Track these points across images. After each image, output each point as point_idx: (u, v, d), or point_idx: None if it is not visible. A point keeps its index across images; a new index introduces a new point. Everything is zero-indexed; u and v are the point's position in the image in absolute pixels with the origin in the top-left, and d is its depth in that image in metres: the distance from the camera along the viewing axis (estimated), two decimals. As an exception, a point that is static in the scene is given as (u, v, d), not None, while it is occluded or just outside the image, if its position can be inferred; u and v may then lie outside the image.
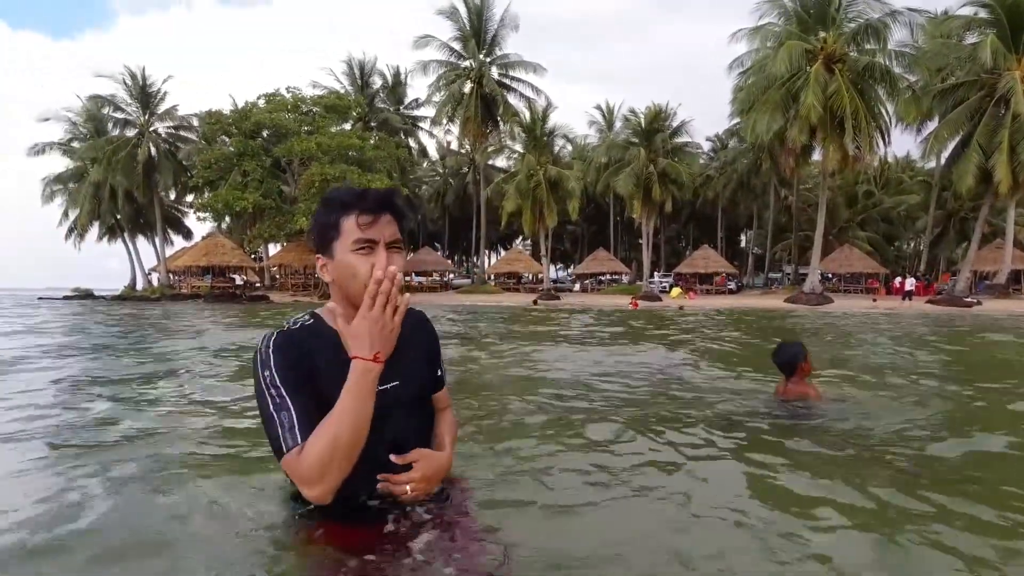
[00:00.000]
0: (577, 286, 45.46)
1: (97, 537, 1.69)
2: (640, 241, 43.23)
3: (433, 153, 54.42)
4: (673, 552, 1.63)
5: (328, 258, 1.36)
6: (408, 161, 43.02)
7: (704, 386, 4.57)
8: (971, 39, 26.83)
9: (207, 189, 35.92)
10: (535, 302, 30.34)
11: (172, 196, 44.09)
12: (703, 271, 40.24)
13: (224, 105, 37.23)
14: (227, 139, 35.72)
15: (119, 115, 39.45)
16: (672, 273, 43.11)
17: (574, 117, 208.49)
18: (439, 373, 1.59)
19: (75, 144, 40.24)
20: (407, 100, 48.06)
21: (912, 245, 53.39)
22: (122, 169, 36.97)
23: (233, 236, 41.09)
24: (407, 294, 1.30)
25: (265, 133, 35.83)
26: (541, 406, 3.71)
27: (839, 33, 27.32)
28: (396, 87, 47.26)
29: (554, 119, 41.30)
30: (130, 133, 39.15)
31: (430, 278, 45.74)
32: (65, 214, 42.20)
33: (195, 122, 40.17)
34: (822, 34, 27.77)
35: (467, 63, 39.65)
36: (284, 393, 1.26)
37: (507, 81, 39.98)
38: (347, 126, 38.68)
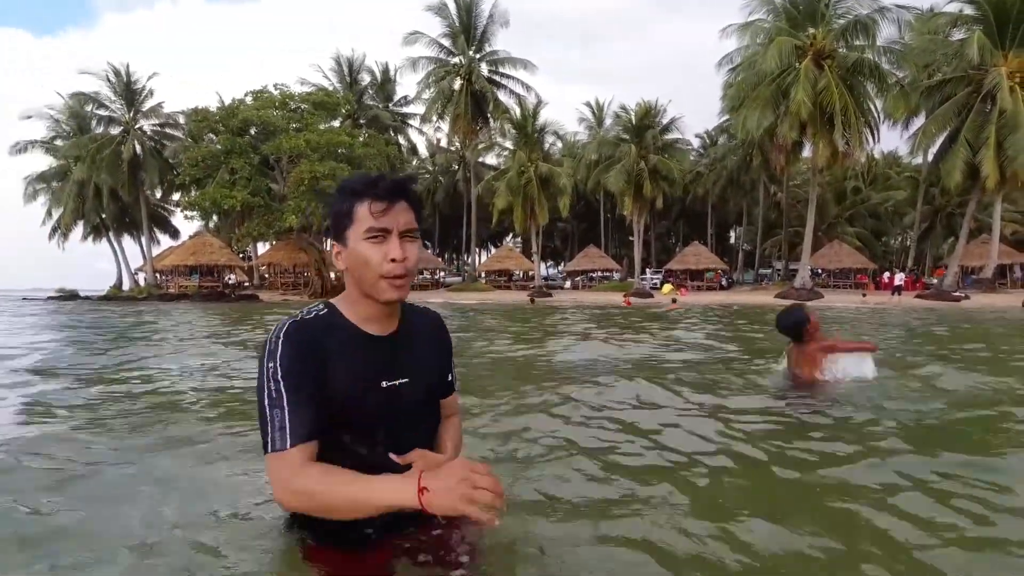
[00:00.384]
0: (568, 283, 45.42)
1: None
2: (631, 238, 43.28)
3: (423, 151, 54.15)
4: (678, 553, 1.60)
5: (342, 246, 1.33)
6: (398, 159, 42.69)
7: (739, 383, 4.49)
8: (958, 35, 27.06)
9: (194, 187, 35.38)
10: (532, 300, 30.30)
11: (158, 195, 43.38)
12: (694, 267, 40.35)
13: (211, 102, 36.74)
14: (214, 136, 35.23)
15: (103, 112, 38.78)
16: (663, 270, 43.20)
17: (566, 115, 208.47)
18: (449, 378, 1.57)
19: (58, 142, 39.59)
20: (396, 97, 47.76)
21: (899, 240, 53.93)
22: (107, 167, 36.36)
23: (221, 235, 40.62)
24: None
25: (253, 130, 35.37)
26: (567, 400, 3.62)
27: (828, 29, 27.45)
28: (385, 84, 46.92)
29: (544, 116, 41.26)
30: (115, 131, 38.49)
31: (420, 276, 45.53)
32: (49, 213, 41.55)
33: (181, 119, 39.62)
34: (811, 30, 27.89)
35: (457, 59, 39.42)
36: (282, 389, 1.21)
37: (497, 78, 39.82)
38: (336, 123, 38.31)
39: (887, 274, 35.42)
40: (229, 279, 41.65)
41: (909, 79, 28.00)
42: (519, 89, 39.47)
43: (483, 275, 45.15)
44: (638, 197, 35.76)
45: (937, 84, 27.37)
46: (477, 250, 49.19)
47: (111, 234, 42.71)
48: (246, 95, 36.43)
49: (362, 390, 1.30)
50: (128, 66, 38.06)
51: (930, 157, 31.43)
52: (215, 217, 39.16)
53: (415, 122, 46.31)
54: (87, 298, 39.28)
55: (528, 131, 37.44)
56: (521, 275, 44.84)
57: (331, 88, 41.30)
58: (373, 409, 1.31)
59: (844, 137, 27.01)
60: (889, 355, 6.02)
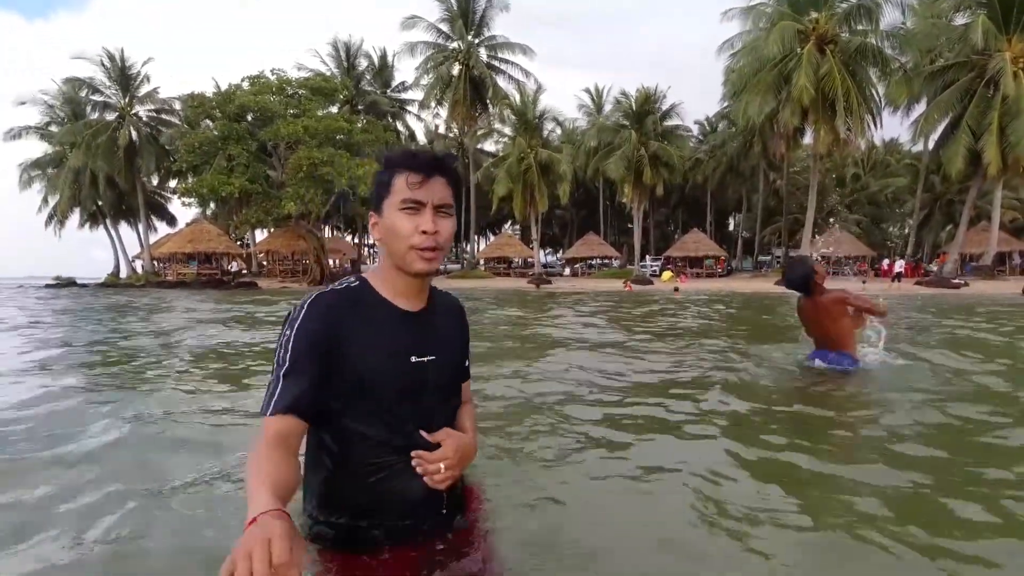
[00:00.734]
0: (567, 270, 45.39)
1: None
2: (630, 225, 43.18)
3: (421, 137, 53.70)
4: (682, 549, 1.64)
5: (379, 216, 1.35)
6: (397, 145, 42.38)
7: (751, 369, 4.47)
8: (961, 20, 26.82)
9: (191, 174, 35.06)
10: (538, 286, 30.54)
11: (155, 181, 43.11)
12: (694, 255, 40.32)
13: (207, 88, 36.34)
14: (211, 123, 34.88)
15: (98, 98, 38.38)
16: (663, 257, 43.18)
17: (565, 102, 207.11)
18: (466, 364, 1.57)
19: (53, 128, 39.20)
20: (394, 83, 47.30)
21: (899, 227, 53.92)
22: (102, 154, 36.03)
23: (219, 222, 40.39)
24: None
25: (250, 116, 35.00)
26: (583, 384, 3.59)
27: (831, 13, 27.19)
28: (383, 70, 46.45)
29: (544, 102, 40.96)
30: (110, 117, 38.11)
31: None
32: (45, 200, 41.26)
33: (177, 105, 39.20)
34: (814, 14, 27.62)
35: (455, 44, 39.01)
36: (287, 359, 1.22)
37: (496, 63, 39.42)
38: (334, 109, 37.94)
39: (886, 261, 35.44)
40: (231, 267, 41.49)
41: (912, 64, 27.78)
42: (518, 75, 39.15)
43: (482, 262, 45.09)
44: (638, 184, 35.62)
45: (940, 69, 27.16)
46: (476, 237, 49.07)
47: (108, 221, 42.44)
48: (243, 80, 36.05)
49: (392, 364, 1.30)
50: (123, 51, 37.61)
51: (931, 144, 31.32)
52: (212, 204, 38.87)
53: (413, 108, 45.95)
54: (84, 286, 39.17)
55: (528, 117, 37.17)
56: (520, 262, 44.78)
57: (328, 73, 40.87)
58: (401, 383, 1.31)
59: (846, 123, 26.85)
60: (893, 342, 6.01)
